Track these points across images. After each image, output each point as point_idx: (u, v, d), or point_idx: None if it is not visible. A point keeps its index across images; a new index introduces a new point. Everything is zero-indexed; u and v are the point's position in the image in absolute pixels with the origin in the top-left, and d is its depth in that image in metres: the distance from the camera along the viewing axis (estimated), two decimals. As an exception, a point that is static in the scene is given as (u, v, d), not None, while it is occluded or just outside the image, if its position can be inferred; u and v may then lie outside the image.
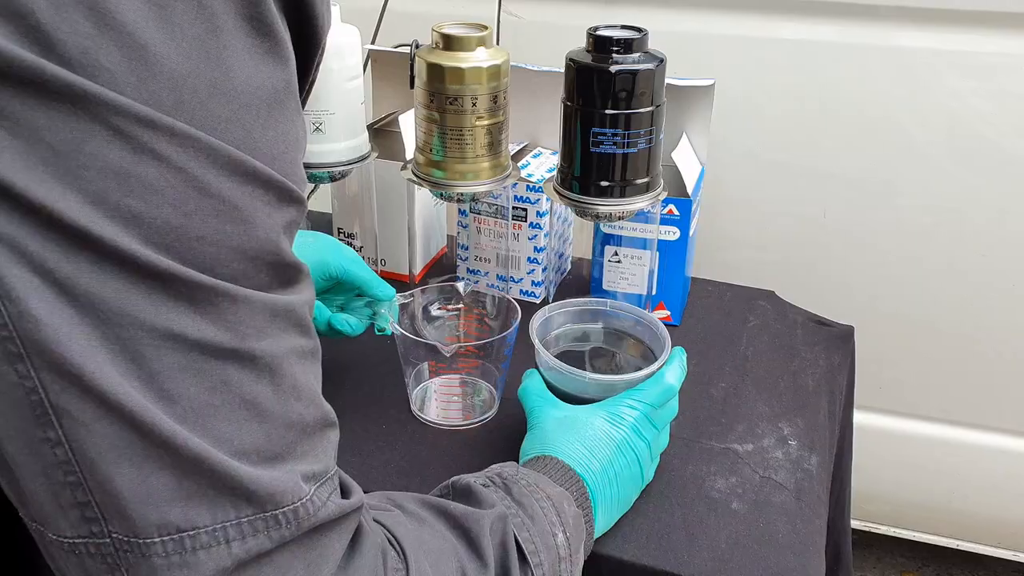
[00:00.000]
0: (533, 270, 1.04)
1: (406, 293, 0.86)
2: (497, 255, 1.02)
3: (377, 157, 1.00)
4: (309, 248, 0.83)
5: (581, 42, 0.83)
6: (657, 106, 0.82)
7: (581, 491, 0.67)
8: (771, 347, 0.99)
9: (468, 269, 1.05)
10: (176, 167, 0.38)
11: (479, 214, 1.01)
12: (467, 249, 1.04)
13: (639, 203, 0.85)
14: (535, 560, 0.59)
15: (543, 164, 1.04)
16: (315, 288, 0.82)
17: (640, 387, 0.74)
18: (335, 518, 0.47)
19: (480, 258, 1.04)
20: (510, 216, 0.99)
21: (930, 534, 1.50)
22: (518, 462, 0.71)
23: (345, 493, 0.50)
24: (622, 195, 0.84)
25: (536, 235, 1.02)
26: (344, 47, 0.89)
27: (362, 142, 0.94)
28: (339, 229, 1.08)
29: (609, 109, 0.81)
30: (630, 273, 0.98)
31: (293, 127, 0.44)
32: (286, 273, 0.44)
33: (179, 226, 0.39)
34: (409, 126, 1.02)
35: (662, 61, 0.81)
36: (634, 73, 0.80)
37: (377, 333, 0.86)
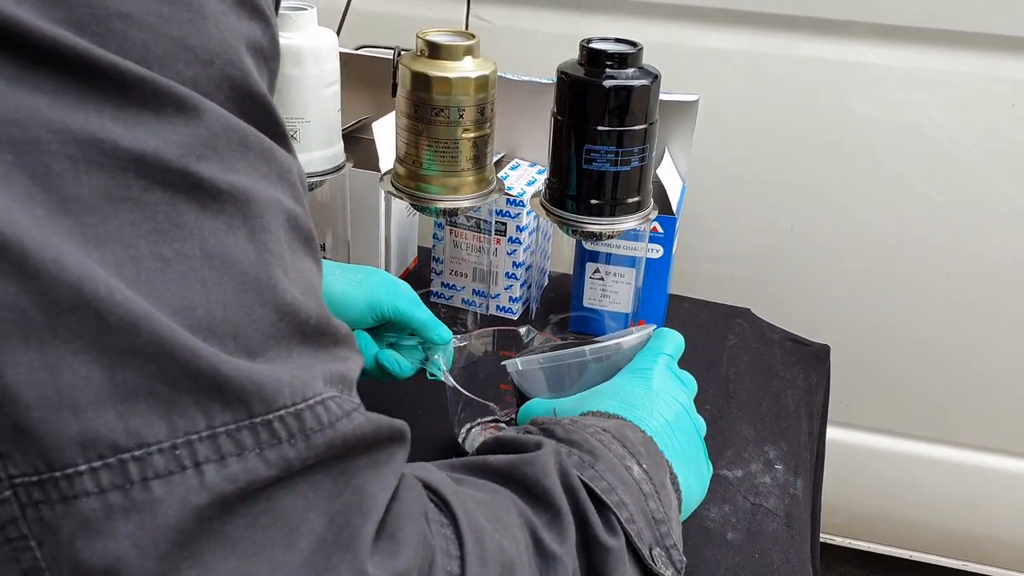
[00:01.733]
0: (511, 285, 1.01)
1: (461, 336, 0.79)
2: (474, 269, 0.99)
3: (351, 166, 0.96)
4: (359, 287, 0.75)
5: (553, 49, 0.80)
6: (651, 123, 0.80)
7: (636, 427, 0.54)
8: (751, 367, 0.98)
9: (443, 283, 1.01)
10: None
11: (456, 226, 0.98)
12: (441, 263, 1.01)
13: (630, 222, 0.82)
14: (613, 499, 0.46)
15: (522, 176, 1.01)
16: (364, 324, 0.75)
17: (647, 348, 0.65)
18: (370, 440, 0.34)
19: (456, 272, 1.00)
20: (493, 230, 0.95)
21: (883, 544, 1.51)
22: None
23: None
24: (612, 214, 0.82)
25: (515, 250, 0.99)
26: (321, 51, 0.84)
27: (338, 151, 0.90)
28: (306, 239, 1.04)
29: (603, 125, 0.78)
30: (612, 291, 0.96)
31: None
32: (255, 111, 0.33)
33: None
34: (384, 134, 0.98)
35: (657, 77, 0.79)
36: (629, 89, 0.78)
37: (429, 378, 0.77)
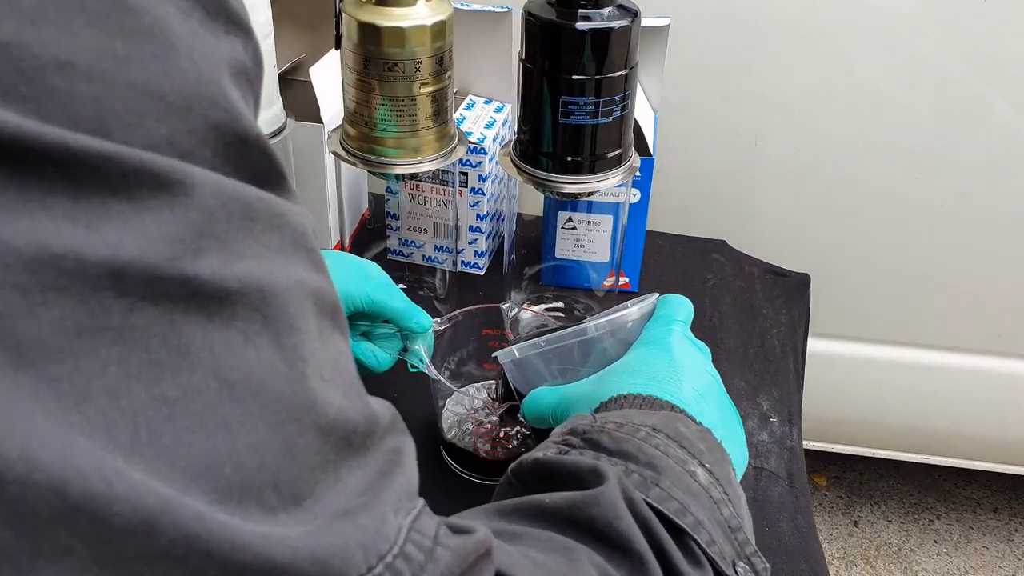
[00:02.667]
0: (476, 239, 0.93)
1: (441, 320, 0.72)
2: (435, 224, 0.91)
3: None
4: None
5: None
6: (632, 67, 0.72)
7: (677, 408, 0.48)
8: (734, 308, 0.93)
9: (401, 240, 0.93)
10: None
11: (414, 178, 0.89)
12: (398, 219, 0.92)
13: (612, 178, 0.75)
14: (688, 520, 0.40)
15: (480, 117, 0.92)
16: None
17: (656, 316, 0.58)
18: (465, 568, 0.28)
19: (415, 228, 0.92)
20: (456, 182, 0.87)
21: (844, 444, 1.52)
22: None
23: (459, 528, 0.31)
24: (592, 170, 0.74)
25: (479, 201, 0.91)
26: (252, 1, 0.73)
27: (277, 111, 0.80)
28: (246, 199, 0.94)
29: (580, 74, 0.70)
30: (587, 240, 0.89)
31: None
32: (250, 159, 0.25)
33: (13, 42, 0.20)
34: (326, 83, 0.88)
35: (636, 14, 0.71)
36: (608, 32, 0.69)
37: (410, 370, 0.70)
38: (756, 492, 0.74)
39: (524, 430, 0.71)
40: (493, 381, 0.67)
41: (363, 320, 0.71)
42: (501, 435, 0.72)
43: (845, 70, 1.14)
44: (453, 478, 0.73)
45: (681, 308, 0.59)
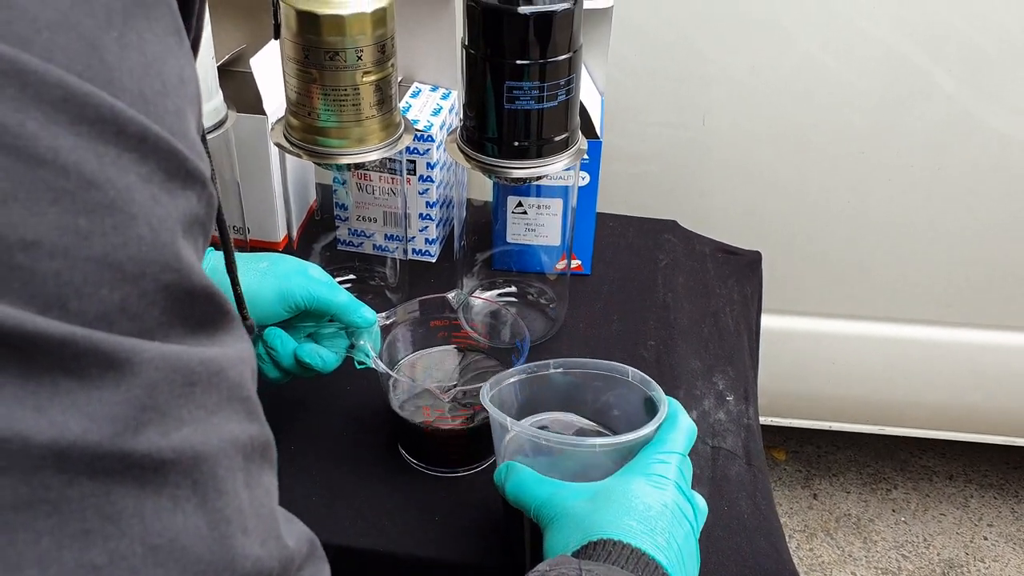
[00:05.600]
0: (426, 227, 0.92)
1: (386, 313, 0.71)
2: (384, 213, 0.90)
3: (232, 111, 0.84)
4: (266, 277, 0.66)
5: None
6: (575, 50, 0.71)
7: (658, 569, 0.51)
8: (687, 288, 0.93)
9: (350, 230, 0.92)
10: None
11: (361, 168, 0.88)
12: (347, 208, 0.91)
13: (559, 163, 0.75)
14: None
15: (426, 105, 0.91)
16: (278, 318, 0.66)
17: (660, 439, 0.59)
18: None
19: (364, 217, 0.91)
20: (404, 170, 0.86)
21: (803, 419, 1.54)
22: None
23: None
24: (539, 155, 0.74)
25: (428, 188, 0.90)
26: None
27: (218, 104, 0.78)
28: (190, 195, 0.92)
29: (524, 59, 0.69)
30: (537, 224, 0.88)
31: (173, 56, 0.27)
32: (196, 305, 0.27)
33: None
34: (265, 73, 0.86)
35: (578, -3, 0.70)
36: (551, 16, 0.68)
37: (357, 367, 0.69)
38: (714, 471, 0.74)
39: (475, 413, 0.70)
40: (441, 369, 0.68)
41: (308, 321, 0.70)
42: (455, 418, 0.72)
43: (789, 47, 1.15)
44: (409, 475, 0.73)
45: (685, 437, 0.59)
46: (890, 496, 1.66)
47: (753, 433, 0.80)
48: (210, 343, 0.27)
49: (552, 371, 0.66)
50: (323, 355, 0.68)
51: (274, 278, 0.66)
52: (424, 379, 0.75)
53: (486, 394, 0.63)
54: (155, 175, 0.25)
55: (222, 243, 0.51)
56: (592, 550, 0.51)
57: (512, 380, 0.66)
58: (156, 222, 0.25)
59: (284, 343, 0.67)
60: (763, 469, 0.78)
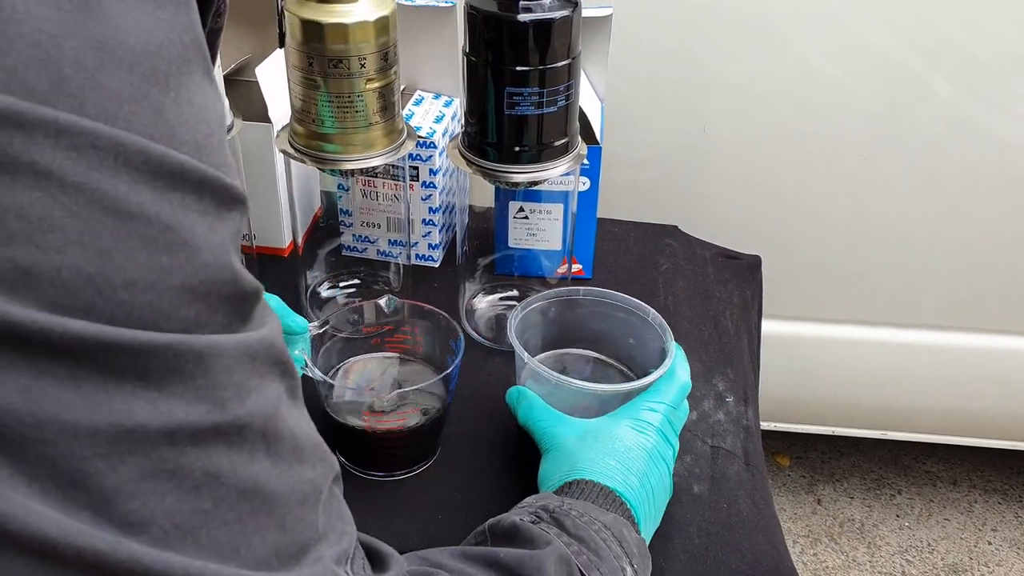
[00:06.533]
0: (429, 232, 0.94)
1: (317, 323, 0.72)
2: (388, 219, 0.91)
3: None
4: None
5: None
6: (574, 57, 0.73)
7: (628, 513, 0.60)
8: (688, 292, 0.95)
9: (355, 236, 0.93)
10: (72, 183, 0.27)
11: (365, 174, 0.89)
12: (351, 214, 0.93)
13: (559, 167, 0.76)
14: None
15: (429, 112, 0.92)
16: None
17: (655, 388, 0.68)
18: None
19: (368, 223, 0.92)
20: (407, 177, 0.87)
21: (806, 424, 1.55)
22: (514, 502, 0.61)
23: (379, 564, 0.42)
24: (539, 160, 0.75)
25: (431, 195, 0.91)
26: (192, 2, 0.73)
27: (224, 112, 0.79)
28: (197, 202, 0.93)
29: (523, 66, 0.71)
30: (539, 229, 0.90)
31: (209, 96, 0.32)
32: (246, 302, 0.33)
33: (95, 273, 0.27)
34: (271, 82, 0.87)
35: (577, 4, 0.71)
36: (550, 23, 0.70)
37: None
38: (714, 470, 0.75)
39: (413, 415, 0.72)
40: (377, 375, 0.74)
41: None
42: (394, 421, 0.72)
43: (788, 53, 1.16)
44: (346, 479, 0.72)
45: (680, 393, 0.69)
46: (894, 501, 1.66)
47: (752, 434, 0.81)
48: (259, 324, 0.34)
49: (579, 296, 0.77)
50: None
51: None
52: (360, 384, 0.76)
53: (512, 321, 0.72)
54: (210, 208, 0.31)
55: None
56: (571, 487, 0.60)
57: (537, 305, 0.76)
58: (216, 248, 0.31)
59: None
60: (762, 470, 0.79)
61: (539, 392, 0.70)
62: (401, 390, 0.72)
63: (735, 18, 1.14)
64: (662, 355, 0.70)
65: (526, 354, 0.70)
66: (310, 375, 0.68)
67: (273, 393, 0.34)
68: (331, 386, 0.72)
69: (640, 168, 1.23)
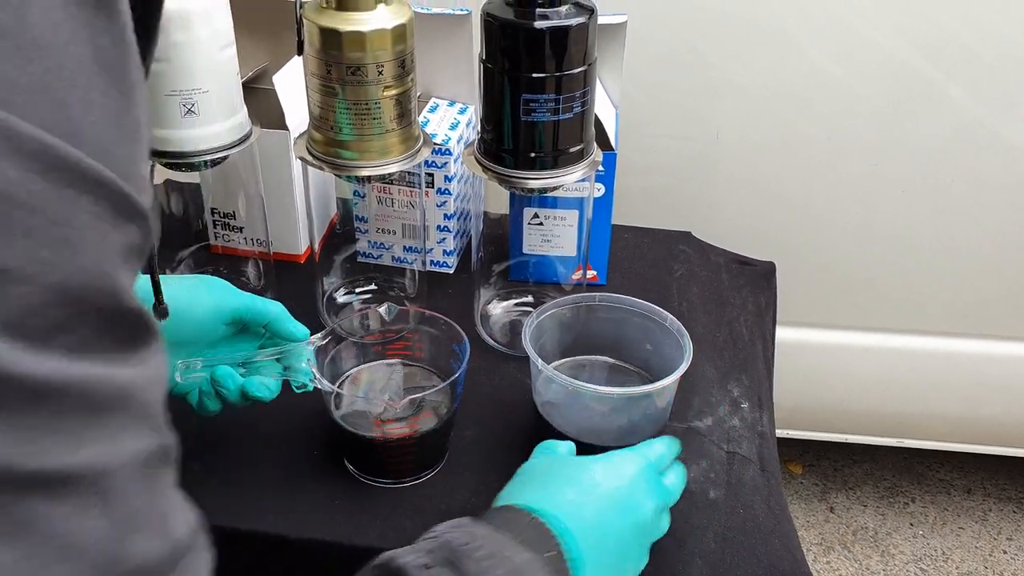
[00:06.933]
0: (444, 239, 0.94)
1: (320, 334, 0.71)
2: (403, 225, 0.92)
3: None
4: (195, 289, 0.68)
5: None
6: (590, 64, 0.73)
7: (558, 555, 0.54)
8: (702, 298, 0.95)
9: (370, 242, 0.94)
10: None
11: (382, 181, 0.90)
12: (366, 221, 0.93)
13: (574, 174, 0.76)
14: None
15: (444, 119, 0.93)
16: (214, 334, 0.68)
17: (646, 442, 0.66)
18: None
19: (384, 230, 0.93)
20: (423, 183, 0.88)
21: (819, 431, 1.54)
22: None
23: None
24: (555, 166, 0.75)
25: (445, 201, 0.92)
26: (212, 10, 0.74)
27: (242, 119, 0.80)
28: (213, 210, 0.94)
29: (539, 72, 0.71)
30: (553, 235, 0.90)
31: (131, 107, 0.31)
32: (125, 327, 0.31)
33: None
34: (288, 89, 0.88)
35: (593, 11, 0.72)
36: (566, 30, 0.70)
37: (296, 391, 0.69)
38: (730, 476, 0.75)
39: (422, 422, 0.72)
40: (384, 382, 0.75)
41: (243, 342, 0.71)
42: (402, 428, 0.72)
43: (799, 59, 1.16)
44: (356, 487, 0.73)
45: (670, 449, 0.66)
46: (907, 509, 1.65)
47: (767, 440, 0.81)
48: (131, 360, 0.31)
49: (596, 302, 0.77)
50: (269, 385, 0.68)
51: (206, 291, 0.69)
52: (367, 393, 0.76)
53: (527, 329, 0.72)
54: (106, 214, 0.29)
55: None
56: (501, 513, 0.56)
57: (552, 311, 0.76)
58: (101, 255, 0.29)
59: (233, 380, 0.67)
60: (776, 475, 0.79)
61: (555, 399, 0.70)
62: (413, 396, 0.71)
63: (745, 25, 1.15)
64: (680, 360, 0.70)
65: (540, 361, 0.70)
66: (319, 387, 0.68)
67: (124, 450, 0.30)
68: (341, 396, 0.72)
69: (652, 174, 1.24)
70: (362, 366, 0.77)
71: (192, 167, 0.79)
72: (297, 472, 0.74)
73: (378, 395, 0.75)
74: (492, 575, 0.50)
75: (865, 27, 1.14)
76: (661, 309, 0.75)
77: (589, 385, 0.69)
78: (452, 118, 0.93)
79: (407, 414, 0.71)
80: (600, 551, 0.56)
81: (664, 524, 0.63)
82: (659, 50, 1.16)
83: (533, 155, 0.75)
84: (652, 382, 0.76)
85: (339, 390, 0.72)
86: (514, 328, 0.89)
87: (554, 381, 0.70)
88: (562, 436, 0.71)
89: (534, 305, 0.91)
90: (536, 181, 0.76)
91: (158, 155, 0.77)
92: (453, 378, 0.69)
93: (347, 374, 0.76)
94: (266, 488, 0.72)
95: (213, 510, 0.37)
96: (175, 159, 0.77)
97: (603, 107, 0.90)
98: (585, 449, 0.70)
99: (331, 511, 0.70)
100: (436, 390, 0.71)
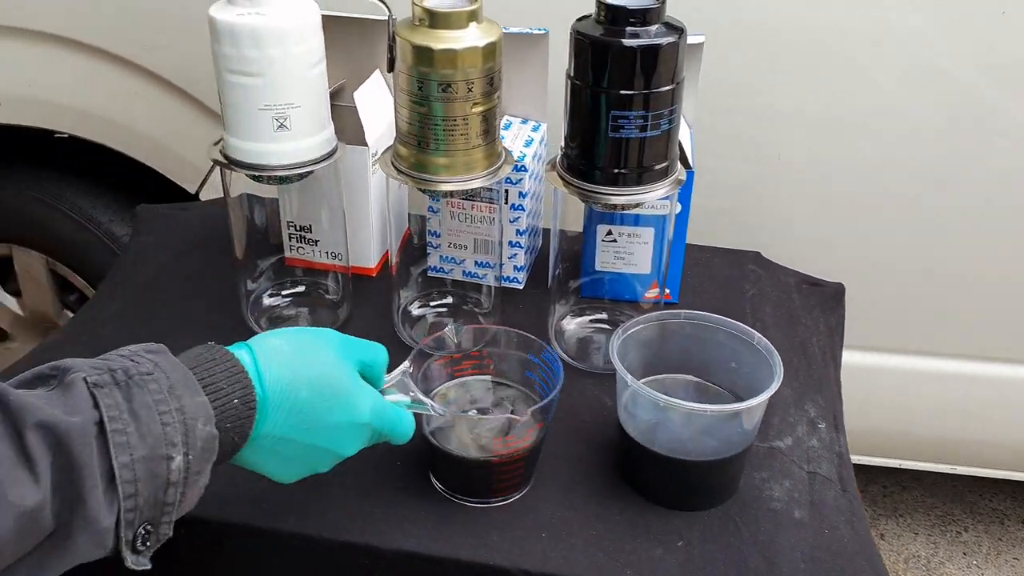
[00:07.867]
0: (515, 254, 0.95)
1: (405, 365, 0.70)
2: (475, 240, 0.92)
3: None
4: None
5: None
6: (678, 82, 0.74)
7: (245, 397, 0.56)
8: (775, 318, 0.95)
9: (442, 257, 0.95)
10: None
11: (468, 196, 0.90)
12: (439, 236, 0.94)
13: (659, 190, 0.77)
14: (127, 491, 0.50)
15: (518, 137, 0.94)
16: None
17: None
18: None
19: (455, 244, 0.94)
20: (503, 199, 0.88)
21: (869, 456, 1.52)
22: None
23: None
24: (639, 182, 0.76)
25: (518, 217, 0.92)
26: (306, 27, 0.75)
27: (329, 135, 0.81)
28: (289, 223, 0.95)
29: (629, 89, 0.72)
30: (627, 252, 0.90)
31: None
32: None
33: None
34: (368, 105, 0.89)
35: (683, 32, 0.73)
36: (657, 48, 0.71)
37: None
38: (812, 496, 0.75)
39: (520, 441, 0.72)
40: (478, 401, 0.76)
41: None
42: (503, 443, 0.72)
43: (862, 83, 1.16)
44: (446, 505, 0.73)
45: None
46: (960, 539, 1.63)
47: (845, 461, 0.81)
48: None
49: (681, 320, 0.78)
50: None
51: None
52: (458, 411, 0.75)
53: (613, 345, 0.72)
54: None
55: None
56: (208, 353, 0.58)
57: (636, 328, 0.76)
58: None
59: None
60: (856, 496, 0.78)
61: (643, 415, 0.70)
62: (532, 408, 0.70)
63: (807, 48, 1.15)
64: (767, 379, 0.70)
65: (629, 376, 0.70)
66: (431, 411, 0.68)
67: None
68: (445, 415, 0.71)
69: (718, 194, 1.24)
70: (449, 383, 0.77)
71: (283, 180, 0.80)
72: (382, 486, 0.74)
73: (507, 411, 0.74)
74: (156, 411, 0.51)
75: (927, 51, 1.13)
76: (749, 328, 0.74)
77: (684, 402, 0.68)
78: (526, 135, 0.94)
79: (502, 434, 0.71)
80: (294, 411, 0.59)
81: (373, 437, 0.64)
82: (724, 72, 1.16)
83: (617, 171, 0.75)
84: (737, 401, 0.75)
85: (460, 412, 0.72)
86: (587, 344, 0.89)
87: (640, 397, 0.70)
88: (647, 451, 0.71)
89: (608, 322, 0.91)
90: (620, 197, 0.76)
91: (247, 168, 0.78)
92: (549, 398, 0.69)
93: (437, 389, 0.76)
94: (349, 499, 0.73)
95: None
96: (265, 171, 0.78)
97: (680, 126, 0.90)
98: (673, 466, 0.70)
99: (417, 523, 0.71)
100: (541, 404, 0.70)
